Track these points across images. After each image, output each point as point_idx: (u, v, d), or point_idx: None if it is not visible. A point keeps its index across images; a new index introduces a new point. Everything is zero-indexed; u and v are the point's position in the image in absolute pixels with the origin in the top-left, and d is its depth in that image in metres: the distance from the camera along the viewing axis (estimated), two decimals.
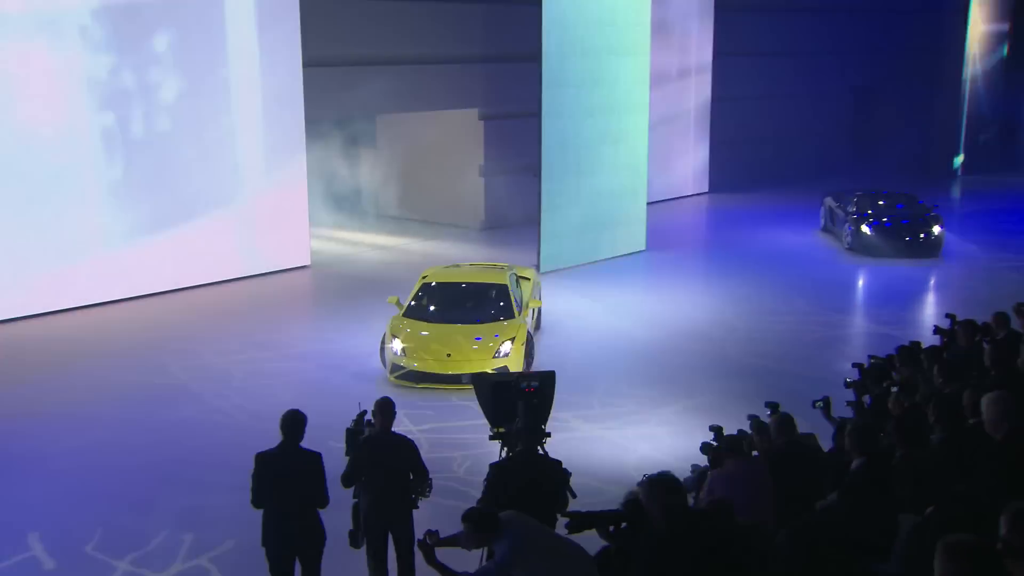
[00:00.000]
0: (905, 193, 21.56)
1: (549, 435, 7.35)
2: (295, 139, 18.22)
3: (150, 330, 15.02)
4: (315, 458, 6.96)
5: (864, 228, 19.88)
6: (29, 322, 15.15)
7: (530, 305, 13.63)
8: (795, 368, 13.20)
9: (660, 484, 5.21)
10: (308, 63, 18.04)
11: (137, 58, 15.93)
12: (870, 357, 9.53)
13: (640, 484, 5.36)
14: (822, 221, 22.46)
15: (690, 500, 7.25)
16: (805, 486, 6.80)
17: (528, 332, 12.91)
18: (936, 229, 19.73)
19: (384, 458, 7.19)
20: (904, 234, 19.72)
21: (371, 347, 13.41)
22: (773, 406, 8.06)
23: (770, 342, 14.51)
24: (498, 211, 22.31)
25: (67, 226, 15.55)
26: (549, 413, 7.67)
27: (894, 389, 8.00)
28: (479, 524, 5.59)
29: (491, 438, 7.67)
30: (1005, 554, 4.02)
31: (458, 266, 15.18)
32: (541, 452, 7.11)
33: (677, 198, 26.84)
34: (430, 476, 7.38)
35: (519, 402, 7.41)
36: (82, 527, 8.91)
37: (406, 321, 12.88)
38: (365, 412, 7.50)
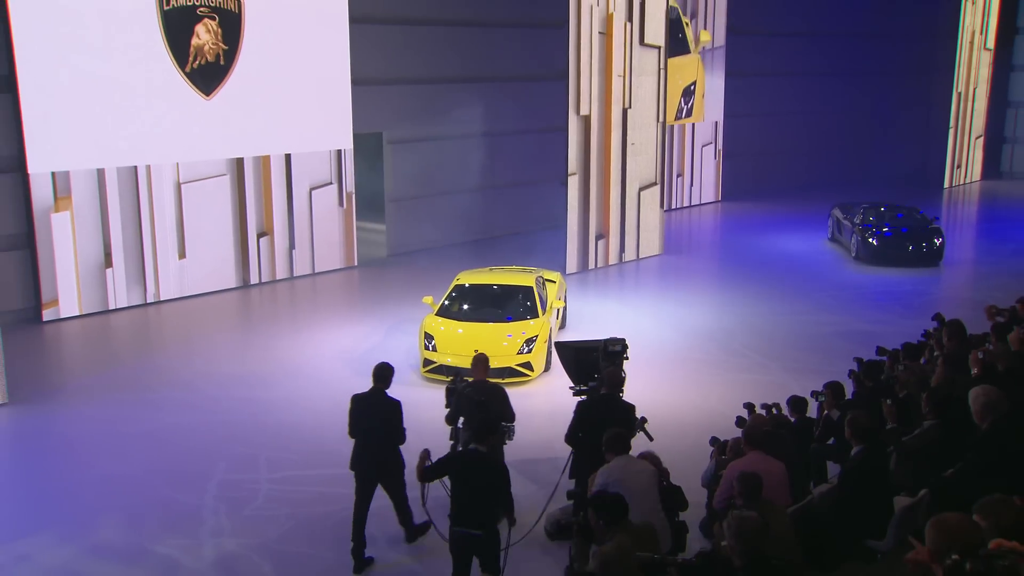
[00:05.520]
0: (907, 206, 22.57)
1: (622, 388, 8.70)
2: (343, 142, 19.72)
3: (217, 323, 16.66)
4: (396, 404, 8.40)
5: (870, 238, 20.92)
6: (124, 313, 16.92)
7: (554, 305, 14.50)
8: (802, 363, 13.96)
9: (746, 524, 5.14)
10: None
11: None
12: (878, 349, 10.17)
13: (726, 521, 5.31)
14: (830, 231, 23.46)
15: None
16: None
17: (550, 330, 13.77)
18: (937, 240, 20.80)
19: (479, 399, 8.65)
20: (908, 244, 20.80)
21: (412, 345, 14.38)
22: (750, 407, 9.20)
23: (780, 339, 15.31)
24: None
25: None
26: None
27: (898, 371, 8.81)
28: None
29: (575, 393, 9.12)
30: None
31: (491, 270, 16.12)
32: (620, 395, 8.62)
33: (691, 206, 28.22)
34: (514, 423, 8.87)
35: (602, 362, 9.01)
36: (137, 509, 9.51)
37: (439, 319, 13.78)
38: (459, 373, 9.44)
